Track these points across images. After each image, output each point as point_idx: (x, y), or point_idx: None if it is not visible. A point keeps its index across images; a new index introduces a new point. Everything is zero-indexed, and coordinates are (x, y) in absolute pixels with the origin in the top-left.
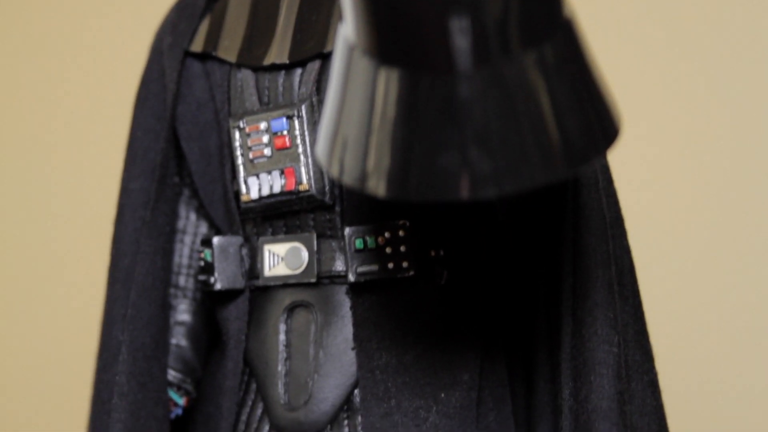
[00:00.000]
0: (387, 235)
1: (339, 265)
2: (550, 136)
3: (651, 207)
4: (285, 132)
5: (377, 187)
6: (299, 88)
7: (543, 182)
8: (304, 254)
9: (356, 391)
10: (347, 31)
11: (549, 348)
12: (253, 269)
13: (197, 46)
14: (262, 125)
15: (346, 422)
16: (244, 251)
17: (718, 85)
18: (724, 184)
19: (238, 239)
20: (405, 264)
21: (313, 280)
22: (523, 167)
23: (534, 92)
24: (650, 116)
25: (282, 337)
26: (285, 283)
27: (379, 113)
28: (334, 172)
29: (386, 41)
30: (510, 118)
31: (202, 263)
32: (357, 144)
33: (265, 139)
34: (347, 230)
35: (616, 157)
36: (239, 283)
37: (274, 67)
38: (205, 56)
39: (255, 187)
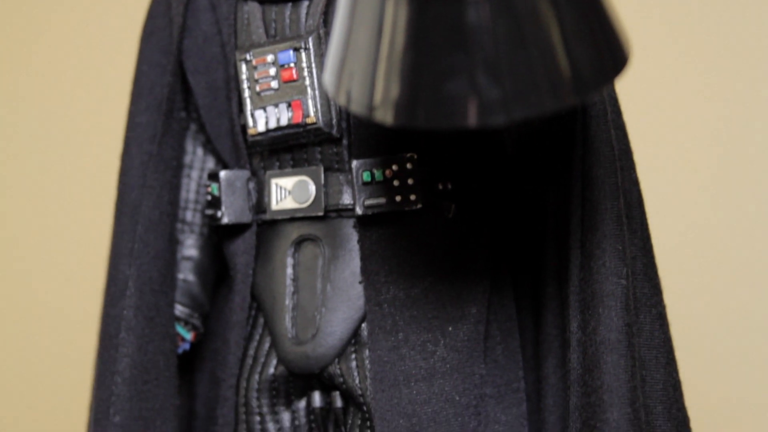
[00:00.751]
0: (394, 167)
1: (346, 199)
2: (559, 62)
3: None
4: (292, 64)
5: (385, 115)
6: (306, 20)
7: (552, 109)
8: (312, 188)
9: (364, 325)
10: None
11: (557, 281)
12: (260, 203)
13: None
14: (269, 58)
15: (353, 356)
16: (251, 185)
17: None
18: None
19: (245, 173)
20: (412, 197)
21: (321, 213)
22: (531, 94)
23: (543, 18)
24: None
25: (289, 271)
26: (292, 217)
27: (387, 41)
28: (342, 100)
29: None
30: (519, 44)
31: (209, 197)
32: (365, 72)
33: (272, 71)
34: (354, 163)
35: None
36: (246, 217)
37: (281, 0)
38: None
39: (262, 120)
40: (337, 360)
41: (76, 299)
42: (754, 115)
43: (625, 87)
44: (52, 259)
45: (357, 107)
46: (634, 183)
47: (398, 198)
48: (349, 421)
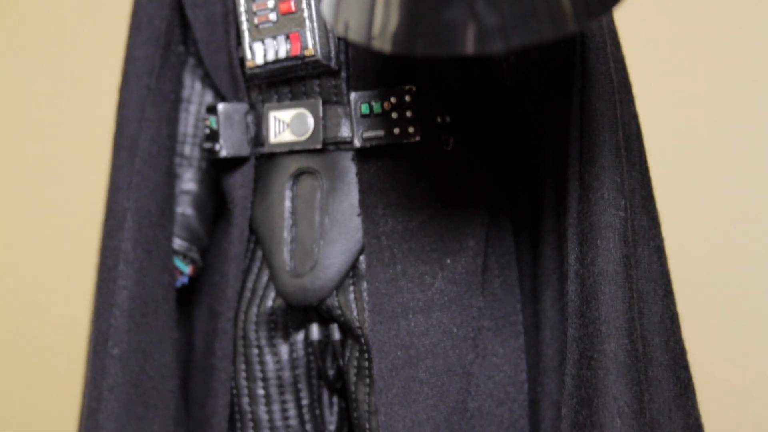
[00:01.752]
0: (393, 100)
1: (345, 131)
2: None
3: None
4: None
5: (383, 44)
6: None
7: (550, 37)
8: (310, 120)
9: (362, 257)
10: None
11: (556, 215)
12: (258, 136)
13: None
14: None
15: (351, 288)
16: (250, 118)
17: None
18: None
19: (243, 106)
20: (411, 129)
21: (319, 146)
22: (530, 21)
23: None
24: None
25: (288, 203)
26: (290, 150)
27: None
28: (340, 30)
29: None
30: None
31: (207, 131)
32: (363, 1)
33: (271, 3)
34: (353, 95)
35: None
36: (245, 150)
37: None
38: None
39: (260, 52)
40: (335, 292)
41: (69, 295)
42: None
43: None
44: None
45: (355, 36)
46: (633, 116)
47: (397, 130)
48: (347, 354)
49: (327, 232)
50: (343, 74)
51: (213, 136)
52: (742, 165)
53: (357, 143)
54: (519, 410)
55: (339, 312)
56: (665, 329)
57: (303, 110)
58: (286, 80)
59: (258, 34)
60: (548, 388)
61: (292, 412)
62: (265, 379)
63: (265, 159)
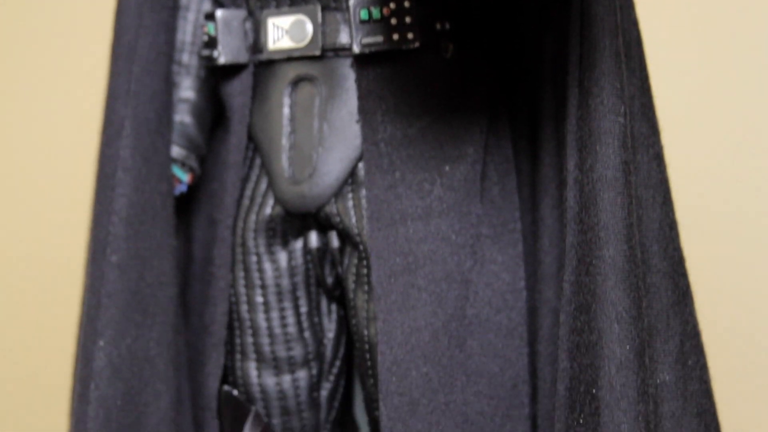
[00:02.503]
0: (392, 5)
1: (344, 37)
2: None
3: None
4: None
5: None
6: None
7: None
8: (309, 27)
9: (360, 164)
10: None
11: (555, 122)
12: (256, 43)
13: None
14: None
15: (350, 195)
16: (248, 25)
17: None
18: None
19: (241, 12)
20: (410, 35)
21: (318, 52)
22: None
23: None
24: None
25: (286, 111)
26: (289, 57)
27: None
28: None
29: None
30: None
31: (205, 38)
32: None
33: None
34: (352, 1)
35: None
36: (243, 57)
37: None
38: None
39: None
40: (333, 199)
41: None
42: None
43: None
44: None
45: None
46: (634, 23)
47: (396, 36)
48: (346, 261)
49: (326, 139)
50: None
51: (211, 43)
52: None
53: (356, 49)
54: (517, 317)
55: (338, 219)
56: (664, 236)
57: (302, 16)
58: None
59: None
60: (546, 295)
61: (290, 319)
62: (263, 287)
63: (263, 66)
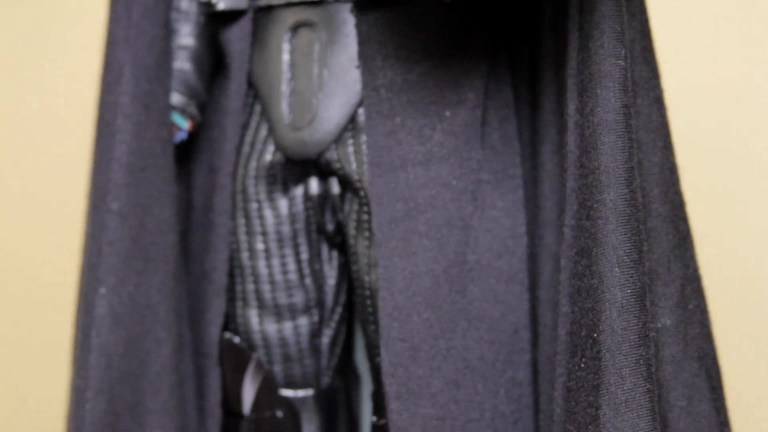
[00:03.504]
0: None
1: None
2: None
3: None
4: None
5: None
6: None
7: None
8: None
9: (360, 110)
10: None
11: (555, 67)
12: None
13: None
14: None
15: (350, 141)
16: None
17: None
18: None
19: None
20: None
21: None
22: None
23: None
24: None
25: (286, 56)
26: (288, 2)
27: None
28: None
29: None
30: None
31: None
32: None
33: None
34: None
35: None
36: (242, 2)
37: None
38: None
39: None
40: (334, 145)
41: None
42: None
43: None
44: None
45: None
46: None
47: None
48: (346, 207)
49: (325, 84)
50: None
51: None
52: None
53: None
54: (518, 263)
55: (338, 165)
56: (664, 180)
57: None
58: None
59: None
60: (547, 240)
61: (291, 266)
62: (264, 234)
63: (262, 12)
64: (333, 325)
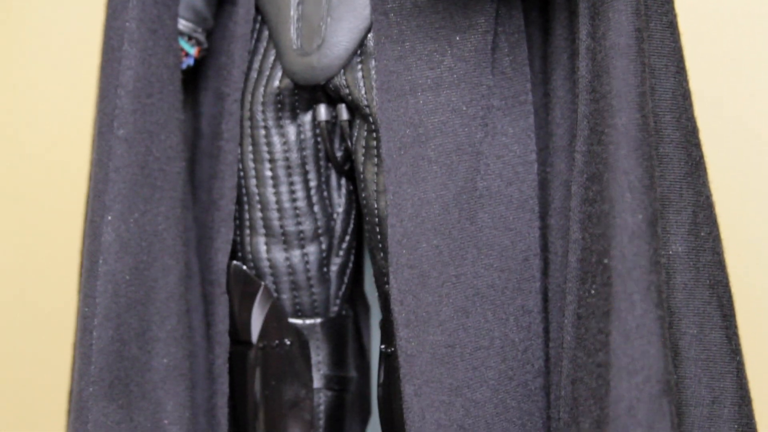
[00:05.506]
0: None
1: None
2: None
3: None
4: None
5: None
6: None
7: None
8: None
9: (370, 35)
10: None
11: None
12: None
13: None
14: None
15: (359, 66)
16: None
17: None
18: None
19: None
20: None
21: None
22: None
23: None
24: None
25: None
26: None
27: None
28: None
29: None
30: None
31: None
32: None
33: None
34: None
35: None
36: None
37: None
38: None
39: None
40: (342, 71)
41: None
42: None
43: None
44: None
45: None
46: None
47: None
48: (355, 134)
49: (334, 9)
50: None
51: None
52: None
53: None
54: (528, 190)
55: (347, 91)
56: (677, 106)
57: None
58: None
59: None
60: (558, 167)
61: (300, 193)
62: (272, 161)
63: None
64: (342, 253)
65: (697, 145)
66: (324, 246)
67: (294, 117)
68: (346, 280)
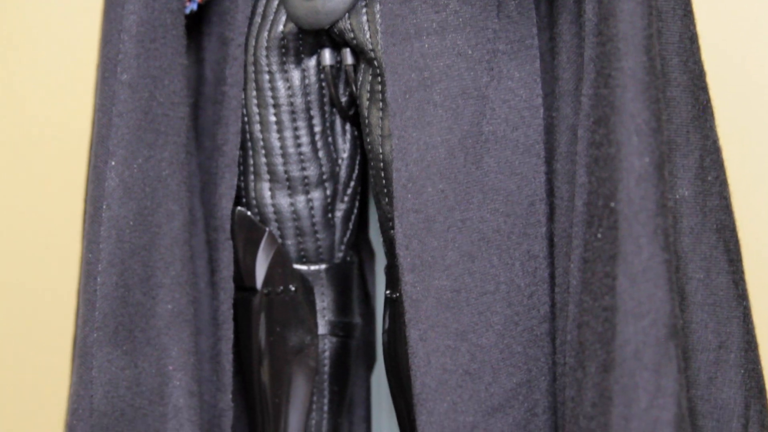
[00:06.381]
0: None
1: None
2: None
3: None
4: None
5: None
6: None
7: None
8: None
9: None
10: None
11: None
12: None
13: None
14: None
15: (364, 10)
16: None
17: None
18: None
19: None
20: None
21: None
22: None
23: None
24: None
25: None
26: None
27: None
28: None
29: None
30: None
31: None
32: None
33: None
34: None
35: None
36: None
37: None
38: None
39: None
40: (347, 15)
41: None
42: None
43: None
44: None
45: None
46: None
47: None
48: (360, 78)
49: None
50: None
51: None
52: None
53: None
54: (534, 135)
55: (351, 35)
56: (684, 49)
57: None
58: None
59: None
60: (564, 112)
61: (304, 138)
62: (276, 105)
63: None
64: (347, 199)
65: (704, 89)
66: (329, 192)
67: (298, 62)
68: (350, 226)
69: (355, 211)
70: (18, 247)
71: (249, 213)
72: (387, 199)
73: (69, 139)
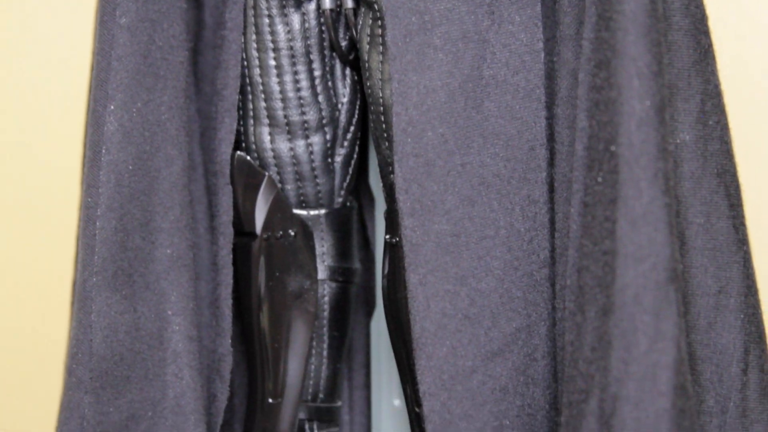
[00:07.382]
0: None
1: None
2: None
3: None
4: None
5: None
6: None
7: None
8: None
9: None
10: None
11: None
12: None
13: None
14: None
15: None
16: None
17: None
18: None
19: None
20: None
21: None
22: None
23: None
24: None
25: None
26: None
27: None
28: None
29: None
30: None
31: None
32: None
33: None
34: None
35: None
36: None
37: None
38: None
39: None
40: None
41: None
42: None
43: None
44: None
45: None
46: None
47: None
48: (360, 22)
49: None
50: None
51: None
52: None
53: None
54: (535, 79)
55: None
56: None
57: None
58: None
59: None
60: (565, 56)
61: (304, 83)
62: (276, 50)
63: None
64: (346, 144)
65: (706, 33)
66: (328, 136)
67: (298, 5)
68: (350, 171)
69: (355, 156)
70: (18, 246)
71: (248, 158)
72: (387, 144)
73: (65, 133)
